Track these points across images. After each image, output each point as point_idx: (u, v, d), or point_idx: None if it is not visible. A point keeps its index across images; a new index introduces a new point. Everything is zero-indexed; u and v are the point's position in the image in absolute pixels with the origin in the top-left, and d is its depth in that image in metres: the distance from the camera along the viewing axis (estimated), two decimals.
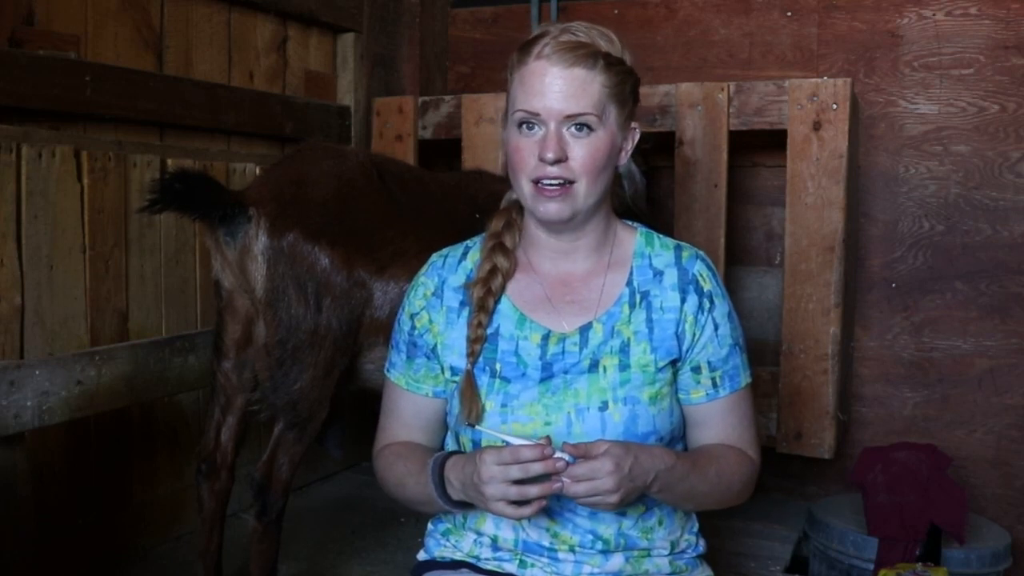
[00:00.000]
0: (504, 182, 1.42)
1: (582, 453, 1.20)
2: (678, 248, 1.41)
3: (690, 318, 1.35)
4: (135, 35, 2.22)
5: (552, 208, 1.30)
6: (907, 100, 2.79)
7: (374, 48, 3.01)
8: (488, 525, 1.38)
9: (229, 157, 2.48)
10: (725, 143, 2.50)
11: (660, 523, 1.37)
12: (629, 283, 1.37)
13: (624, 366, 1.33)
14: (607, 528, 1.33)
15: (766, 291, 2.93)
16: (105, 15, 2.13)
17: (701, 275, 1.38)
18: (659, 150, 2.58)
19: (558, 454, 1.19)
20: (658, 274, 1.38)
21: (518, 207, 1.41)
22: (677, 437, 1.39)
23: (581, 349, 1.34)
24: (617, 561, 1.34)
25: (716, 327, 1.36)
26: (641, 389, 1.32)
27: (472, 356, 1.35)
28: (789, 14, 2.90)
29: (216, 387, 1.92)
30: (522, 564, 1.35)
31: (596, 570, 1.33)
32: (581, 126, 1.28)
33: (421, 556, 1.47)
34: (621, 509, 1.30)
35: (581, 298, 1.37)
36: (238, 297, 1.86)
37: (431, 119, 2.86)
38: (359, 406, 2.12)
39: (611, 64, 1.29)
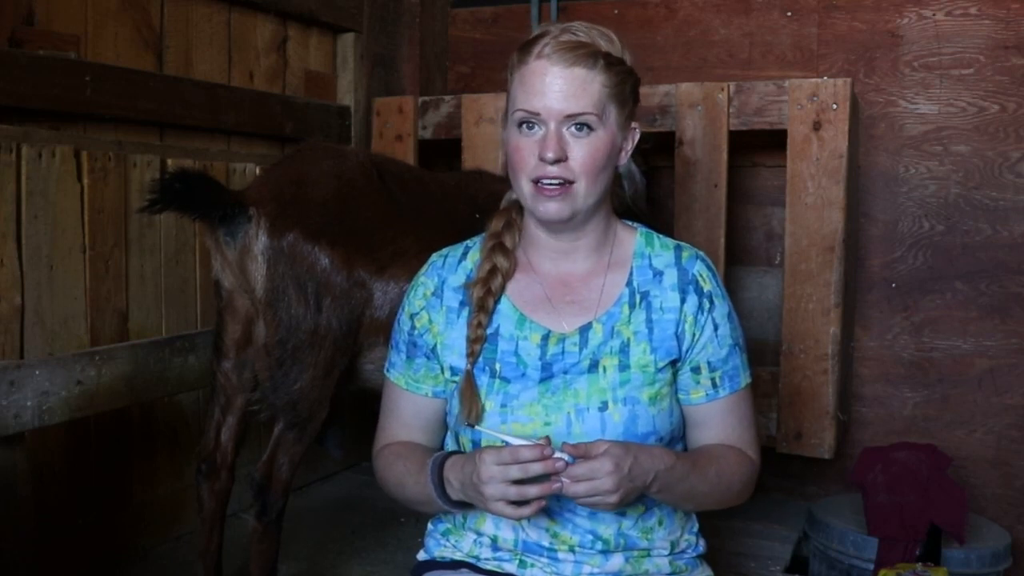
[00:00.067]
0: (504, 182, 1.42)
1: (582, 453, 1.20)
2: (678, 248, 1.41)
3: (690, 318, 1.35)
4: (135, 35, 2.22)
5: (552, 208, 1.30)
6: (907, 100, 2.79)
7: (374, 48, 3.01)
8: (488, 525, 1.38)
9: (229, 157, 2.48)
10: (725, 143, 2.50)
11: (660, 523, 1.37)
12: (629, 283, 1.37)
13: (624, 366, 1.33)
14: (607, 528, 1.33)
15: (766, 291, 2.93)
16: (105, 15, 2.13)
17: (701, 275, 1.38)
18: (659, 150, 2.58)
19: (557, 454, 1.19)
20: (658, 274, 1.38)
21: (518, 207, 1.41)
22: (677, 437, 1.39)
23: (581, 349, 1.34)
24: (617, 561, 1.34)
25: (716, 327, 1.36)
26: (641, 389, 1.32)
27: (472, 356, 1.35)
28: (789, 14, 2.90)
29: (216, 387, 1.92)
30: (522, 564, 1.35)
31: (596, 570, 1.33)
32: (581, 126, 1.28)
33: (421, 556, 1.47)
34: (621, 509, 1.30)
35: (581, 298, 1.37)
36: (238, 297, 1.86)
37: (431, 119, 2.86)
38: (359, 406, 2.12)
39: (611, 64, 1.29)
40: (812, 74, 2.84)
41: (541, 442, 1.19)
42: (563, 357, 1.34)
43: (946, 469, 2.42)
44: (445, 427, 1.47)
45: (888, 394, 2.84)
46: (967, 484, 2.68)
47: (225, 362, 1.90)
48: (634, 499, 1.27)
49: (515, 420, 1.32)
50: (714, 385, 1.37)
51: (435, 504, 1.32)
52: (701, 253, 1.42)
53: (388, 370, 1.48)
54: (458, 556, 1.41)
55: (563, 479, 1.19)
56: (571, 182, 1.28)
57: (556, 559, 1.34)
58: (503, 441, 1.24)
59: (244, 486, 2.02)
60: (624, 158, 1.37)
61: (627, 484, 1.20)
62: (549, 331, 1.36)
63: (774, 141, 2.58)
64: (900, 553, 2.31)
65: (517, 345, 1.36)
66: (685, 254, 1.40)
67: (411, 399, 1.45)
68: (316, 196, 1.85)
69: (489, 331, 1.37)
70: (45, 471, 2.01)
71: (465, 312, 1.39)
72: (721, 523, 2.45)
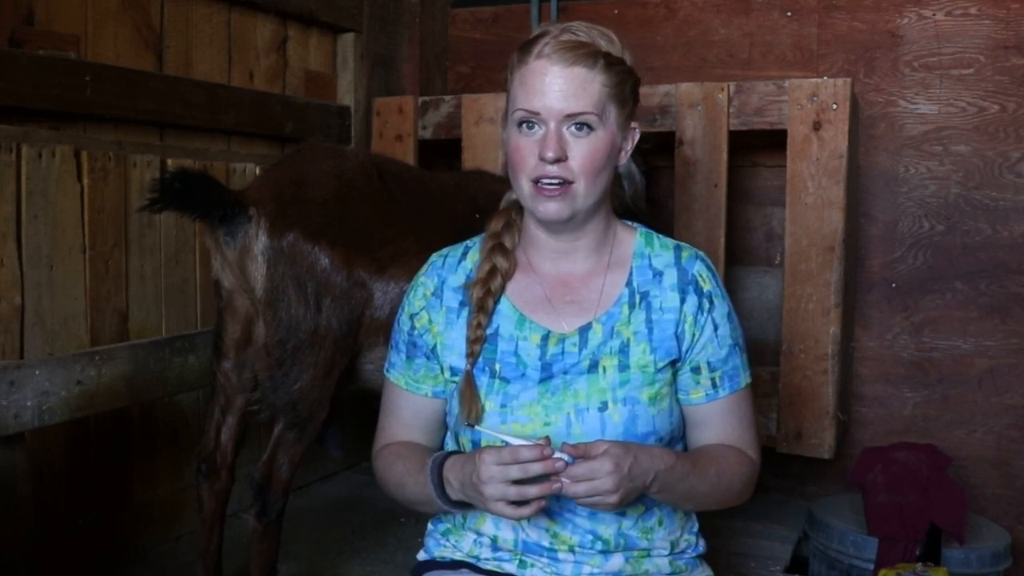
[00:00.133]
0: (504, 182, 1.42)
1: (581, 453, 1.20)
2: (678, 248, 1.41)
3: (690, 318, 1.35)
4: (135, 35, 2.22)
5: (552, 208, 1.30)
6: (907, 100, 2.79)
7: (374, 48, 3.01)
8: (488, 525, 1.38)
9: (229, 157, 2.48)
10: (725, 143, 2.50)
11: (660, 523, 1.37)
12: (629, 283, 1.37)
13: (623, 366, 1.33)
14: (607, 528, 1.33)
15: (766, 291, 2.93)
16: (105, 15, 2.13)
17: (701, 275, 1.38)
18: (659, 150, 2.58)
19: (557, 454, 1.19)
20: (658, 274, 1.38)
21: (518, 207, 1.41)
22: (677, 437, 1.39)
23: (580, 349, 1.34)
24: (617, 561, 1.34)
25: (716, 327, 1.36)
26: (640, 389, 1.32)
27: (471, 357, 1.35)
28: (789, 14, 2.90)
29: (216, 387, 1.92)
30: (522, 564, 1.35)
31: (596, 570, 1.33)
32: (581, 125, 1.28)
33: (421, 556, 1.47)
34: (621, 509, 1.30)
35: (581, 298, 1.37)
36: (238, 297, 1.86)
37: (431, 119, 2.86)
38: (359, 406, 2.12)
39: (611, 64, 1.29)
40: (812, 74, 2.84)
41: (541, 442, 1.19)
42: (563, 357, 1.34)
43: (946, 469, 2.42)
44: (445, 427, 1.47)
45: (888, 394, 2.84)
46: (967, 484, 2.68)
47: (225, 362, 1.90)
48: (634, 499, 1.27)
49: (515, 420, 1.32)
50: (714, 385, 1.37)
51: (435, 504, 1.32)
52: (701, 253, 1.42)
53: (388, 370, 1.48)
54: (458, 556, 1.41)
55: (563, 479, 1.19)
56: (571, 182, 1.28)
57: (556, 559, 1.34)
58: (503, 441, 1.24)
59: (244, 486, 2.02)
60: (624, 158, 1.37)
61: (627, 484, 1.20)
62: (549, 331, 1.36)
63: (774, 141, 2.58)
64: (900, 553, 2.31)
65: (517, 345, 1.35)
66: (685, 254, 1.40)
67: (411, 399, 1.45)
68: (316, 196, 1.85)
69: (489, 331, 1.37)
70: (45, 471, 2.00)
71: (465, 312, 1.39)
72: (721, 523, 2.45)
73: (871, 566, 2.35)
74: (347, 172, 1.92)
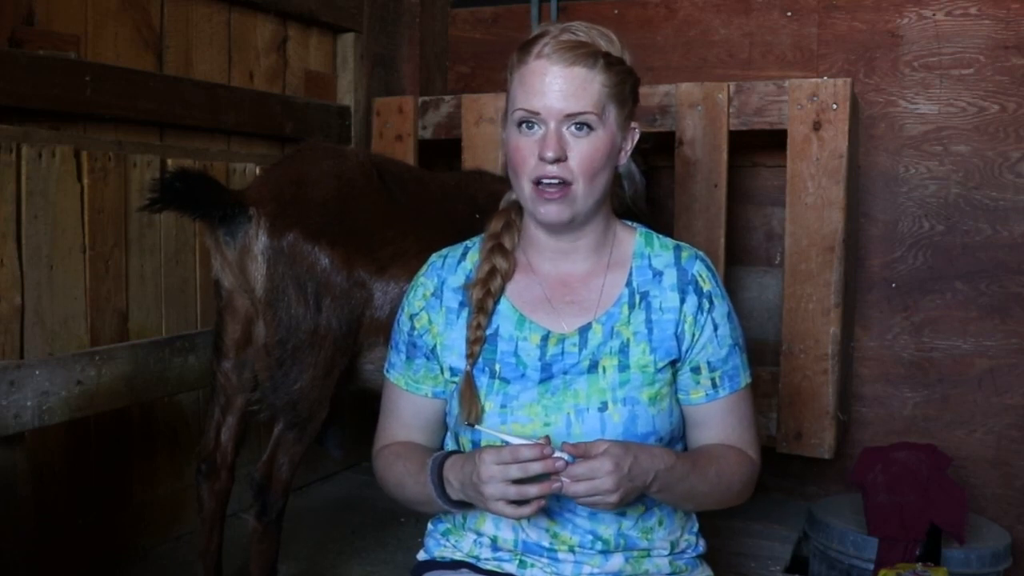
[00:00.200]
0: (504, 182, 1.42)
1: (581, 453, 1.20)
2: (677, 248, 1.41)
3: (689, 318, 1.35)
4: (135, 35, 2.22)
5: (552, 210, 1.30)
6: (907, 100, 2.79)
7: (374, 48, 3.01)
8: (488, 525, 1.38)
9: (229, 157, 2.48)
10: (725, 143, 2.50)
11: (660, 523, 1.37)
12: (628, 284, 1.37)
13: (623, 367, 1.33)
14: (607, 528, 1.33)
15: (766, 291, 2.93)
16: (105, 15, 2.13)
17: (700, 275, 1.38)
18: (659, 150, 2.58)
19: (557, 454, 1.19)
20: (657, 274, 1.38)
21: (517, 208, 1.41)
22: (677, 437, 1.39)
23: (580, 350, 1.34)
24: (617, 561, 1.34)
25: (716, 327, 1.36)
26: (640, 389, 1.32)
27: (471, 357, 1.35)
28: (789, 14, 2.90)
29: (216, 387, 1.92)
30: (522, 564, 1.35)
31: (596, 570, 1.33)
32: (581, 125, 1.28)
33: (421, 556, 1.47)
34: (621, 509, 1.30)
35: (580, 299, 1.37)
36: (238, 297, 1.86)
37: (431, 119, 2.86)
38: (359, 406, 2.12)
39: (611, 64, 1.29)
40: (812, 74, 2.84)
41: (541, 441, 1.19)
42: (563, 357, 1.34)
43: (946, 469, 2.42)
44: (445, 427, 1.47)
45: (888, 394, 2.84)
46: (967, 484, 2.68)
47: (225, 362, 1.90)
48: (634, 499, 1.27)
49: (515, 420, 1.32)
50: (714, 385, 1.37)
51: (435, 504, 1.32)
52: (701, 253, 1.42)
53: (388, 370, 1.48)
54: (458, 556, 1.41)
55: (563, 479, 1.19)
56: (570, 183, 1.28)
57: (556, 559, 1.34)
58: (503, 441, 1.24)
59: (244, 486, 2.02)
60: (624, 158, 1.37)
61: (627, 484, 1.20)
62: (549, 331, 1.36)
63: (774, 141, 2.58)
64: (900, 553, 2.31)
65: (517, 346, 1.35)
66: (684, 254, 1.40)
67: (411, 399, 1.45)
68: (316, 196, 1.85)
69: (489, 332, 1.37)
70: (45, 471, 2.01)
71: (465, 313, 1.39)
72: (721, 523, 2.45)
73: (871, 566, 2.35)
74: (347, 172, 1.92)
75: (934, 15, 2.75)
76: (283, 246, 1.78)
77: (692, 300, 1.36)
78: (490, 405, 1.33)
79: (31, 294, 1.93)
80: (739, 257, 2.95)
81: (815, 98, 2.40)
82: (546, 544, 1.34)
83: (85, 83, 1.99)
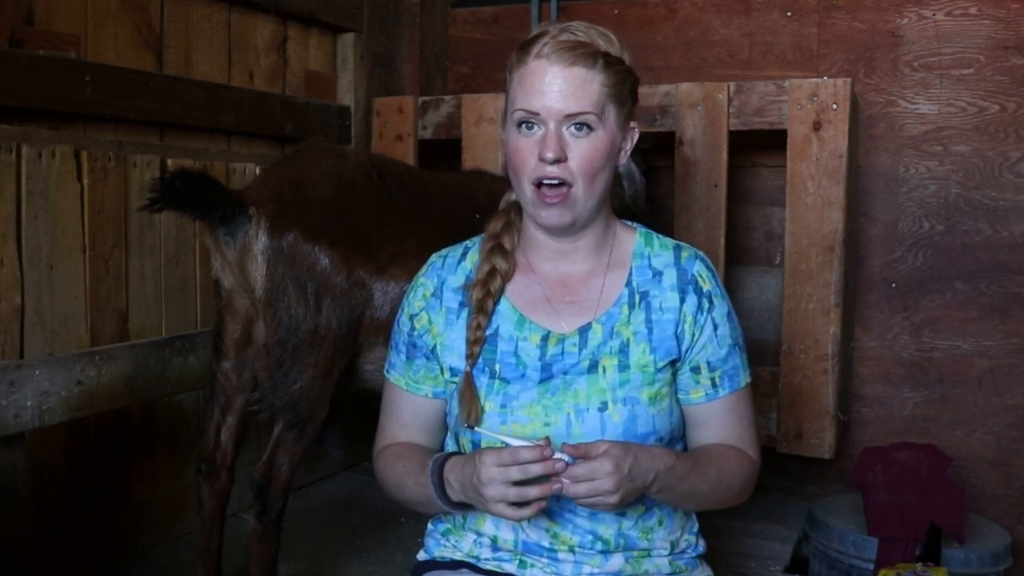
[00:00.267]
0: (504, 182, 1.42)
1: (581, 454, 1.20)
2: (677, 248, 1.41)
3: (689, 318, 1.35)
4: (135, 35, 2.22)
5: (553, 214, 1.30)
6: (907, 100, 2.79)
7: (374, 48, 3.01)
8: (488, 525, 1.38)
9: (229, 157, 2.48)
10: (725, 143, 2.50)
11: (660, 523, 1.37)
12: (628, 283, 1.37)
13: (623, 366, 1.32)
14: (607, 528, 1.33)
15: (766, 291, 2.93)
16: (105, 15, 2.13)
17: (700, 275, 1.38)
18: (659, 150, 2.58)
19: (557, 455, 1.19)
20: (657, 274, 1.38)
21: (517, 208, 1.41)
22: (677, 437, 1.39)
23: (580, 350, 1.34)
24: (617, 561, 1.34)
25: (715, 327, 1.36)
26: (640, 389, 1.32)
27: (471, 358, 1.35)
28: (789, 14, 2.90)
29: (216, 387, 1.92)
30: (522, 564, 1.35)
31: (596, 570, 1.33)
32: (581, 125, 1.28)
33: (421, 556, 1.47)
34: (621, 509, 1.30)
35: (580, 299, 1.37)
36: (238, 297, 1.86)
37: (431, 119, 2.86)
38: (359, 406, 2.12)
39: (610, 63, 1.29)
40: (812, 74, 2.84)
41: (541, 443, 1.19)
42: (563, 358, 1.34)
43: (946, 469, 2.42)
44: (445, 428, 1.47)
45: (888, 394, 2.84)
46: (967, 484, 2.68)
47: (225, 362, 1.90)
48: (634, 499, 1.27)
49: (515, 420, 1.32)
50: (714, 385, 1.37)
51: (435, 505, 1.32)
52: (700, 253, 1.42)
53: (388, 371, 1.48)
54: (458, 556, 1.41)
55: (563, 480, 1.18)
56: (571, 184, 1.28)
57: (556, 559, 1.34)
58: (503, 442, 1.24)
59: (244, 486, 2.02)
60: (623, 158, 1.37)
61: (627, 484, 1.20)
62: (548, 332, 1.36)
63: (774, 141, 2.58)
64: (900, 553, 2.31)
65: (517, 346, 1.35)
66: (684, 254, 1.40)
67: (411, 400, 1.45)
68: (316, 196, 1.85)
69: (488, 332, 1.37)
70: (45, 471, 2.01)
71: (464, 313, 1.39)
72: (721, 523, 2.45)
73: (871, 566, 2.35)
74: (347, 172, 1.92)
75: (934, 15, 2.75)
76: (283, 246, 1.78)
77: (692, 300, 1.36)
78: (490, 405, 1.33)
79: (31, 294, 1.93)
80: (739, 257, 2.95)
81: (815, 98, 2.40)
82: (546, 544, 1.34)
83: (85, 83, 1.99)
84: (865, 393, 2.86)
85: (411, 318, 1.44)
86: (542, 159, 1.27)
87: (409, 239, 1.90)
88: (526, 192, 1.31)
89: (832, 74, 2.82)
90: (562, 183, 1.28)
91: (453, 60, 3.33)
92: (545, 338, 1.35)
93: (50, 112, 1.96)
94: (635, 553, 1.35)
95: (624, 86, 1.31)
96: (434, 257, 1.47)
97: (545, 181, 1.28)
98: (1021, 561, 2.60)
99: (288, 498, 1.85)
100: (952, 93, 2.73)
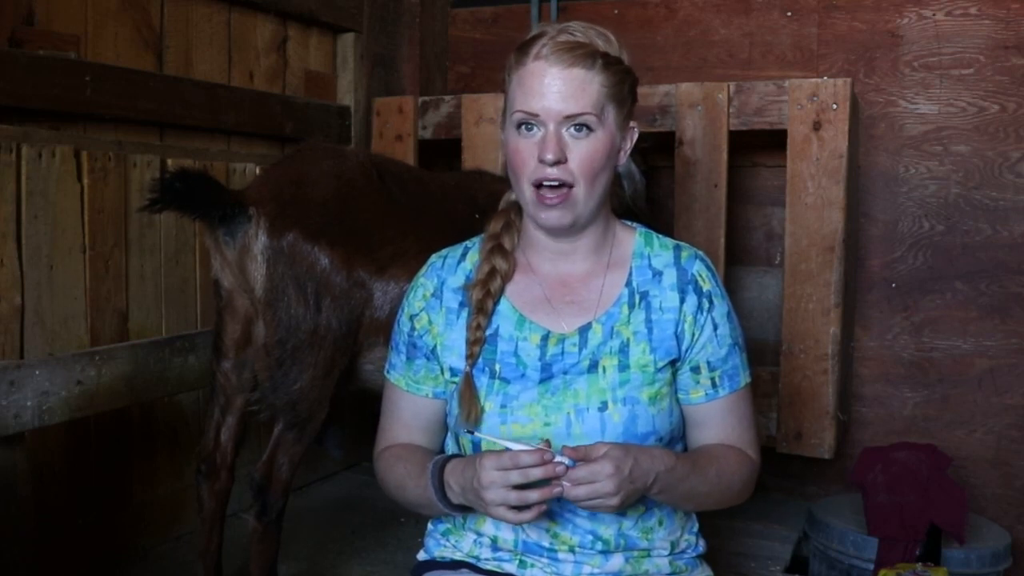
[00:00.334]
0: (504, 182, 1.42)
1: (582, 456, 1.20)
2: (677, 248, 1.41)
3: (689, 318, 1.35)
4: (135, 35, 2.22)
5: (553, 216, 1.30)
6: (907, 100, 2.79)
7: (374, 48, 3.01)
8: (488, 526, 1.38)
9: (229, 157, 2.48)
10: (725, 143, 2.50)
11: (660, 523, 1.37)
12: (628, 283, 1.37)
13: (623, 366, 1.32)
14: (607, 528, 1.33)
15: (766, 291, 2.93)
16: (105, 15, 2.13)
17: (700, 275, 1.38)
18: (659, 150, 2.58)
19: (558, 458, 1.19)
20: (657, 274, 1.38)
21: (517, 208, 1.41)
22: (677, 437, 1.39)
23: (580, 350, 1.34)
24: (617, 561, 1.34)
25: (715, 327, 1.36)
26: (640, 389, 1.32)
27: (471, 358, 1.35)
28: (789, 14, 2.90)
29: (216, 387, 1.92)
30: (522, 564, 1.35)
31: (596, 570, 1.33)
32: (580, 126, 1.28)
33: (421, 556, 1.47)
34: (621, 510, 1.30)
35: (580, 299, 1.37)
36: (238, 297, 1.86)
37: (431, 119, 2.86)
38: (359, 406, 2.12)
39: (609, 64, 1.28)
40: (812, 74, 2.84)
41: (541, 446, 1.19)
42: (563, 357, 1.34)
43: (946, 469, 2.42)
44: (446, 428, 1.47)
45: (888, 394, 2.84)
46: (967, 484, 2.68)
47: (225, 362, 1.90)
48: (635, 500, 1.27)
49: (515, 421, 1.32)
50: (714, 385, 1.37)
51: (436, 507, 1.32)
52: (700, 253, 1.42)
53: (388, 371, 1.48)
54: (458, 556, 1.41)
55: (564, 483, 1.18)
56: (571, 185, 1.28)
57: (556, 559, 1.34)
58: (503, 446, 1.24)
59: (244, 486, 2.02)
60: (623, 158, 1.36)
61: (628, 486, 1.20)
62: (548, 332, 1.36)
63: (774, 141, 2.58)
64: (900, 553, 2.31)
65: (517, 346, 1.35)
66: (684, 254, 1.40)
67: (411, 400, 1.45)
68: (316, 196, 1.85)
69: (488, 332, 1.36)
70: (45, 471, 2.01)
71: (464, 313, 1.39)
72: (721, 523, 2.45)
73: (871, 566, 2.35)
74: (347, 172, 1.92)
75: (934, 15, 2.75)
76: (283, 246, 1.78)
77: (692, 300, 1.36)
78: (490, 405, 1.33)
79: (31, 294, 1.93)
80: (739, 257, 2.95)
81: (815, 98, 2.40)
82: (546, 544, 1.34)
83: (85, 83, 1.99)
84: (865, 393, 2.86)
85: (411, 318, 1.44)
86: (542, 161, 1.27)
87: (409, 239, 1.90)
88: (526, 193, 1.31)
89: (832, 74, 2.82)
90: (562, 184, 1.28)
91: (453, 60, 3.33)
92: (545, 338, 1.35)
93: (50, 112, 1.96)
94: (635, 553, 1.35)
95: (623, 86, 1.31)
96: (434, 257, 1.47)
97: (545, 183, 1.28)
98: (1021, 561, 2.60)
99: (288, 498, 1.85)
100: (952, 93, 2.73)
